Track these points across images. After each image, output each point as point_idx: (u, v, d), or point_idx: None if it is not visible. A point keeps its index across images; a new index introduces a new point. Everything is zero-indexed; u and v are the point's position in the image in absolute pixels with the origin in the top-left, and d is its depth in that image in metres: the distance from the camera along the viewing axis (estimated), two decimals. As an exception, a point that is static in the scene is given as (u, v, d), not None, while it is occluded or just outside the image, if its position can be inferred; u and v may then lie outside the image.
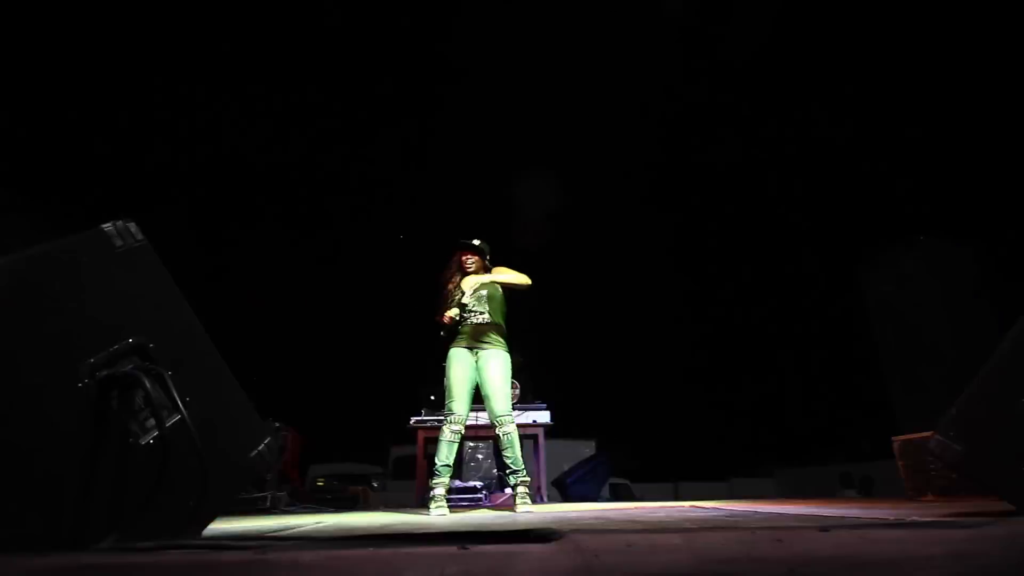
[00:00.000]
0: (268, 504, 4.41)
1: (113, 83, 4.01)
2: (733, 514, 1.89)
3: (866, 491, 4.33)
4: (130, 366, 1.24)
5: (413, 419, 4.96)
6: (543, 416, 4.98)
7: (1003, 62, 3.66)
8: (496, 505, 4.65)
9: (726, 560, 0.73)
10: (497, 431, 3.09)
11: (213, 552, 0.94)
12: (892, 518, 1.41)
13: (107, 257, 1.32)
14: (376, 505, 5.04)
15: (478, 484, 4.80)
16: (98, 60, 3.89)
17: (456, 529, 1.27)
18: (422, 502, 4.69)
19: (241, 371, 1.49)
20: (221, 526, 2.01)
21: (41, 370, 1.15)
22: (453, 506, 4.47)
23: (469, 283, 3.13)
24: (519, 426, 4.94)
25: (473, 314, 3.14)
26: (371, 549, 0.95)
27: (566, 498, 5.01)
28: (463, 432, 3.04)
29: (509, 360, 3.18)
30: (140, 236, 1.41)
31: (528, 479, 3.10)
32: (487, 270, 3.30)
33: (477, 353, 3.10)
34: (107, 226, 1.38)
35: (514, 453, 3.04)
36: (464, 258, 3.28)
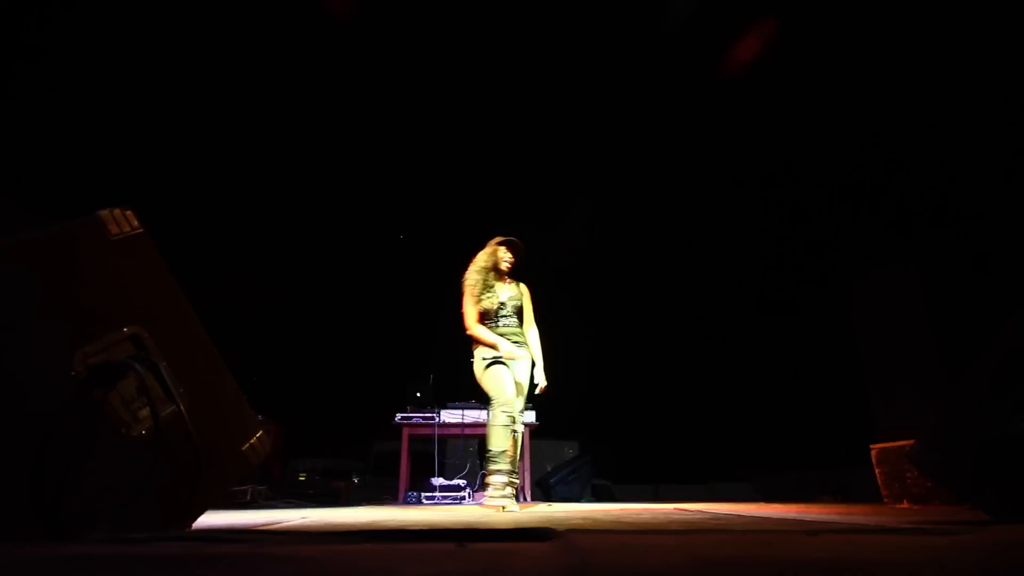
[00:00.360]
0: (248, 498, 4.36)
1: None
2: (718, 516, 1.92)
3: (843, 497, 4.43)
4: (124, 355, 1.23)
5: (398, 416, 4.95)
6: (528, 416, 5.01)
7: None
8: (481, 503, 4.67)
9: (720, 562, 0.76)
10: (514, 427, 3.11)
11: (209, 544, 0.94)
12: (873, 524, 1.45)
13: (103, 245, 1.31)
14: (357, 500, 5.01)
15: (462, 483, 4.81)
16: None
17: (452, 526, 1.28)
18: (406, 499, 4.69)
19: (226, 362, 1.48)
20: (206, 520, 1.99)
21: (32, 358, 1.14)
22: (436, 504, 4.49)
23: (506, 294, 3.20)
24: (505, 426, 4.99)
25: (506, 319, 3.22)
26: (369, 544, 0.96)
27: (549, 498, 5.04)
28: (515, 417, 3.02)
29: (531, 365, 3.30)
30: (137, 224, 1.39)
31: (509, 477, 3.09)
32: (519, 273, 3.39)
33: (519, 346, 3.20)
34: (104, 213, 1.36)
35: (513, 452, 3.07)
36: (506, 255, 3.31)
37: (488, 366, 3.11)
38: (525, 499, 4.76)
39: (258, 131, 5.00)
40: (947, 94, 4.01)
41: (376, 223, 6.01)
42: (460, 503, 4.60)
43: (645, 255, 6.27)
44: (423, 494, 4.71)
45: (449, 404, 5.07)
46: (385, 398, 5.18)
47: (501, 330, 3.18)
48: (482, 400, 5.11)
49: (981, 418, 1.46)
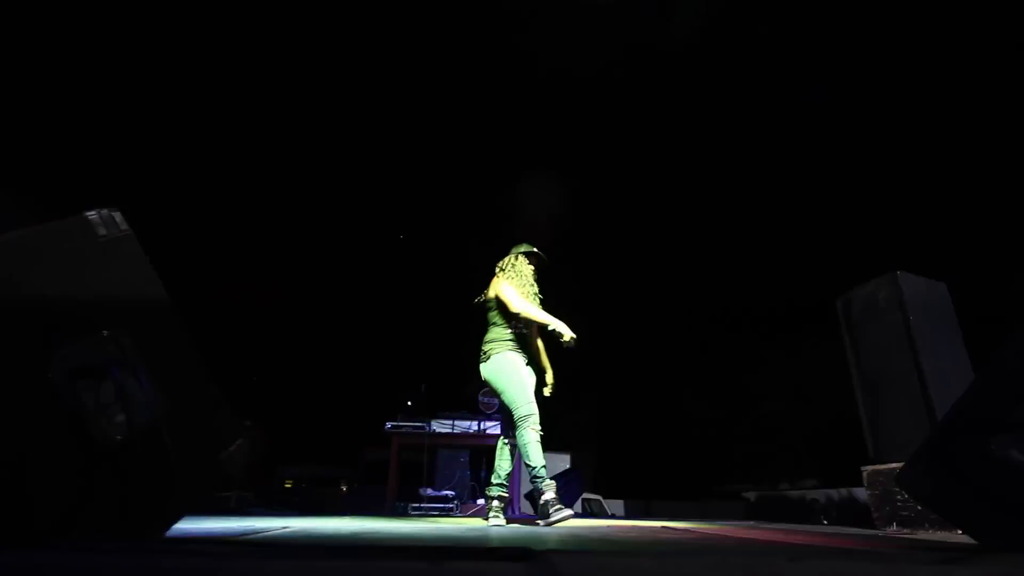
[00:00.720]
0: (233, 504, 4.30)
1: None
2: (704, 537, 1.89)
3: (835, 518, 4.39)
4: (103, 358, 1.21)
5: (389, 424, 4.90)
6: (520, 428, 4.96)
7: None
8: (468, 515, 4.61)
9: (697, 588, 0.74)
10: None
11: (173, 557, 0.92)
12: (858, 549, 1.43)
13: (89, 246, 1.29)
14: (345, 509, 4.95)
15: (450, 493, 4.76)
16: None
17: (429, 544, 1.26)
18: (393, 509, 4.63)
19: (212, 367, 1.46)
20: (184, 525, 1.95)
21: (9, 358, 1.12)
22: (423, 514, 4.43)
23: (526, 307, 3.08)
24: (495, 436, 4.94)
25: (525, 328, 3.13)
26: (338, 561, 0.93)
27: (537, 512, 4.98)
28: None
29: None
30: (125, 226, 1.38)
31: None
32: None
33: (529, 365, 3.10)
34: (91, 214, 1.34)
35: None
36: (534, 268, 3.24)
37: (513, 373, 2.95)
38: (514, 513, 4.70)
39: (255, 140, 5.00)
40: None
41: (371, 231, 6.01)
42: (448, 515, 4.54)
43: (641, 271, 6.28)
44: (411, 504, 4.66)
45: (440, 414, 5.03)
46: (377, 407, 5.14)
47: (520, 340, 3.06)
48: (473, 410, 5.08)
49: (972, 444, 1.45)
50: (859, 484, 3.04)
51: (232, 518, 3.24)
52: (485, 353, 3.05)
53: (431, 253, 6.01)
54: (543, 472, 2.82)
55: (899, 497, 2.61)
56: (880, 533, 2.63)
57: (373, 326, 6.00)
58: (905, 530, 2.57)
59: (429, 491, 4.69)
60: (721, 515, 5.40)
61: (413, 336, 5.83)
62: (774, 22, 4.35)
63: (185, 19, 4.19)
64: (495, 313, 3.07)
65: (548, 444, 3.00)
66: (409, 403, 5.10)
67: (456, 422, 4.93)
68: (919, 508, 2.48)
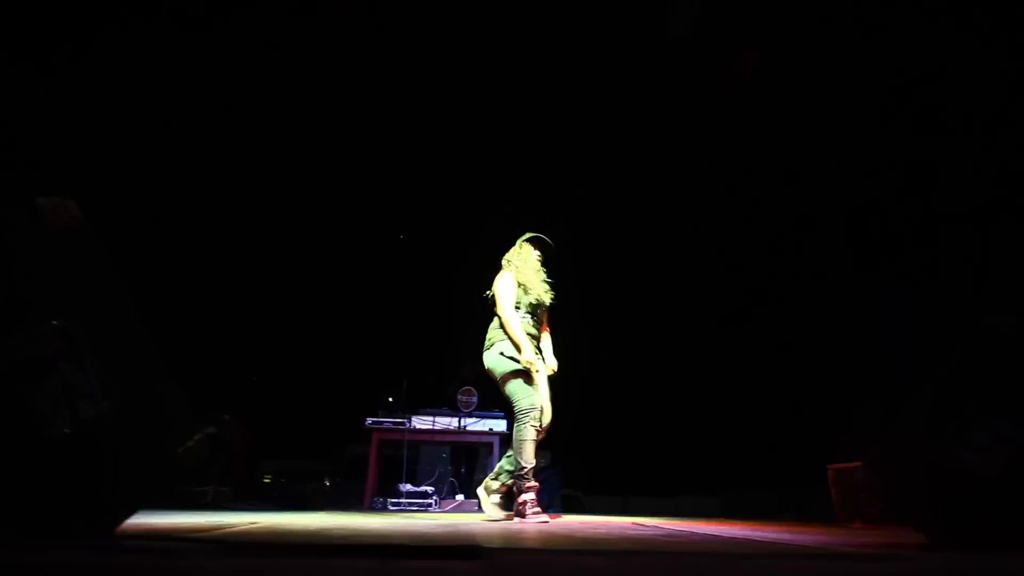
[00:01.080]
0: (209, 499, 4.24)
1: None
2: (670, 534, 1.92)
3: (802, 515, 4.48)
4: (50, 350, 1.18)
5: (369, 420, 4.87)
6: (499, 424, 4.98)
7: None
8: (447, 511, 4.61)
9: (638, 587, 0.74)
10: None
11: (118, 554, 0.90)
12: (814, 547, 1.45)
13: (38, 234, 1.26)
14: (326, 504, 4.91)
15: (429, 489, 4.75)
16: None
17: (382, 542, 1.25)
18: (372, 505, 4.61)
19: (193, 359, 1.43)
20: (149, 520, 1.92)
21: (-51, 350, 1.08)
22: (402, 510, 4.41)
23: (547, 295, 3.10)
24: (475, 432, 4.95)
25: (534, 324, 3.12)
26: (288, 559, 0.93)
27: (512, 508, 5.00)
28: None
29: None
30: (77, 215, 1.34)
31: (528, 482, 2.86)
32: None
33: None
34: (42, 200, 1.31)
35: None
36: (540, 258, 3.22)
37: (514, 363, 2.89)
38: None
39: (246, 136, 4.91)
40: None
41: (355, 225, 5.94)
42: (426, 510, 4.54)
43: (618, 268, 6.30)
44: (389, 500, 4.64)
45: (421, 410, 5.01)
46: (359, 401, 5.10)
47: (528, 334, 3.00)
48: (452, 407, 5.08)
49: (924, 444, 1.48)
50: (826, 482, 3.10)
51: (204, 513, 3.20)
52: (489, 340, 3.03)
53: (415, 250, 5.97)
54: (530, 474, 2.79)
55: (862, 494, 2.67)
56: (842, 530, 2.69)
57: (357, 322, 5.94)
58: (867, 527, 2.63)
59: (408, 487, 4.68)
60: (695, 511, 5.47)
61: (396, 333, 5.79)
62: (775, 22, 4.37)
63: (185, 17, 4.10)
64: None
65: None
66: (390, 399, 5.07)
67: (437, 419, 4.92)
68: (881, 505, 2.54)
